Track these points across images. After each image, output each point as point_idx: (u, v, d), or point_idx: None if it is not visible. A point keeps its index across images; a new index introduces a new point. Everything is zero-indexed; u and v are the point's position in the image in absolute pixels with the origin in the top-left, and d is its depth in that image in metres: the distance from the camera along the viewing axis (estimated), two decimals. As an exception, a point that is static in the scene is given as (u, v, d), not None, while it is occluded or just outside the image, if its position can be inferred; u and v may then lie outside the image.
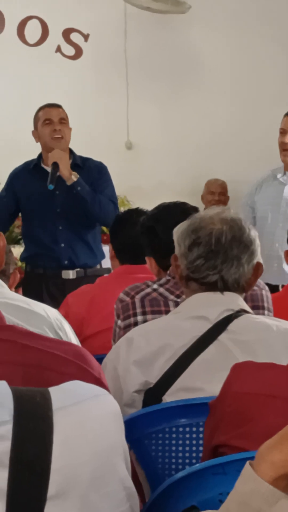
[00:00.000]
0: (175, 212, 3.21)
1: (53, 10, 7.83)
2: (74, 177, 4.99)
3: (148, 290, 3.01)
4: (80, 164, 5.20)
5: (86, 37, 7.97)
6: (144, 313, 2.95)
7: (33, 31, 7.90)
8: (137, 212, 3.93)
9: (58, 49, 7.95)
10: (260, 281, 2.97)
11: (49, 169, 5.08)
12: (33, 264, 5.21)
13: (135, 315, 2.95)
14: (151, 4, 7.40)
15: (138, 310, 2.96)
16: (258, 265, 2.58)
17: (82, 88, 7.65)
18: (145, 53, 7.87)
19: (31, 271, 5.19)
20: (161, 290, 3.00)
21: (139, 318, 2.94)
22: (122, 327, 2.94)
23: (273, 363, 1.92)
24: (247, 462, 1.28)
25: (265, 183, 5.26)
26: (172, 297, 2.94)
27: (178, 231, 2.61)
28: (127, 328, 2.89)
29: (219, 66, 7.92)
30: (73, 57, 7.97)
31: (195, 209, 3.30)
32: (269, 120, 7.41)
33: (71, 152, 5.22)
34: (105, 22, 7.86)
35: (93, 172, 5.22)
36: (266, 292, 3.06)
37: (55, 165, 4.99)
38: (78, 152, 5.33)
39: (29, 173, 5.28)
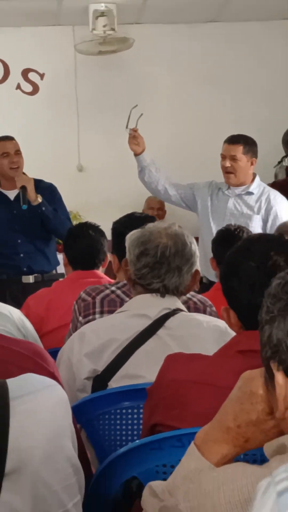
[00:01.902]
0: (141, 221, 3.19)
1: (13, 53, 7.79)
2: (40, 198, 4.98)
3: (107, 291, 2.99)
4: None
5: (42, 76, 7.92)
6: (101, 312, 2.93)
7: (-3, 71, 7.89)
8: (87, 225, 3.92)
9: (18, 86, 7.90)
10: (207, 300, 2.95)
11: (7, 192, 5.11)
12: None
13: (94, 313, 2.93)
14: (100, 48, 7.39)
15: (97, 309, 2.94)
16: (196, 272, 2.57)
17: (39, 120, 7.61)
18: (93, 89, 7.85)
19: None
20: (119, 292, 2.98)
21: (97, 316, 2.92)
22: (83, 323, 2.90)
23: (201, 354, 1.92)
24: (192, 443, 1.30)
25: (214, 194, 5.26)
26: (127, 299, 2.89)
27: (130, 238, 2.60)
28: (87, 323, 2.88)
29: (159, 97, 7.94)
30: (31, 93, 7.93)
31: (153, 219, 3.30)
32: (200, 146, 7.53)
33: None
34: (58, 64, 7.84)
35: (46, 193, 5.17)
36: (210, 309, 2.97)
37: (24, 188, 4.97)
38: (36, 175, 5.31)
39: None
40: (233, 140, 5.13)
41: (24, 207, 4.90)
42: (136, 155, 5.38)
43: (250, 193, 5.13)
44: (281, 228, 3.59)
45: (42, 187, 5.21)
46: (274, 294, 1.18)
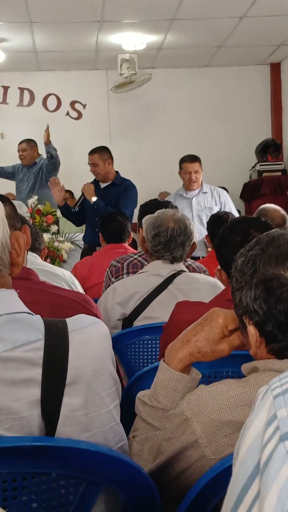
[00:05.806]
0: (161, 205, 3.17)
1: (64, 89, 7.78)
2: (94, 198, 4.77)
3: (131, 258, 2.98)
4: (118, 183, 4.95)
5: (84, 106, 7.88)
6: (128, 272, 2.93)
7: (52, 102, 7.84)
8: (115, 213, 3.89)
9: (67, 114, 7.86)
10: (202, 266, 2.88)
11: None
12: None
13: (123, 274, 2.93)
14: (128, 87, 7.34)
15: (125, 271, 2.94)
16: (194, 244, 2.56)
17: (82, 137, 7.60)
18: (120, 114, 7.83)
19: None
20: (140, 258, 2.97)
21: (125, 276, 2.91)
22: (114, 281, 2.91)
23: (200, 301, 1.91)
24: (161, 360, 1.29)
25: (176, 200, 5.11)
26: (145, 263, 2.89)
27: (146, 222, 2.57)
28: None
29: (165, 119, 7.93)
30: (77, 118, 7.89)
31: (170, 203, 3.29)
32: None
33: (118, 175, 5.00)
34: (96, 97, 7.82)
35: (121, 189, 4.95)
36: (204, 273, 2.94)
37: (82, 194, 4.86)
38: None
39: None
40: (194, 158, 5.12)
41: (73, 210, 4.71)
42: None
43: (205, 192, 5.17)
44: (259, 212, 3.48)
45: (123, 184, 4.96)
46: (240, 269, 1.15)
